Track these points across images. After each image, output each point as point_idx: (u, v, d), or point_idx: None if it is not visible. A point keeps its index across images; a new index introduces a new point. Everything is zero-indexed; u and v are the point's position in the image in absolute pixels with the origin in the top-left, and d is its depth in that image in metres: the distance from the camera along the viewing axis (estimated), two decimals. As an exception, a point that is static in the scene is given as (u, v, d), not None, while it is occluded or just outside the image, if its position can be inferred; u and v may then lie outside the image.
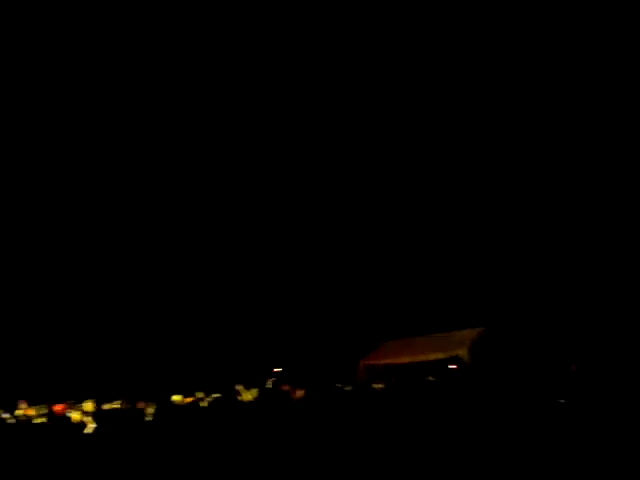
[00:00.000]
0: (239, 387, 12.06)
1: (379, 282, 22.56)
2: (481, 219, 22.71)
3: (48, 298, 19.74)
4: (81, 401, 10.68)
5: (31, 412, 9.55)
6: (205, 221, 22.83)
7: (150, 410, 10.72)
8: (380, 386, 14.13)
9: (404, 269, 22.61)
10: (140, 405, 10.87)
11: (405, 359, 17.72)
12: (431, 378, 15.38)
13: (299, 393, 12.63)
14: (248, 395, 11.78)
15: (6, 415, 9.88)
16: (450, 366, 16.79)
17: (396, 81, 23.71)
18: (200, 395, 11.30)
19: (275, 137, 23.49)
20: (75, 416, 9.74)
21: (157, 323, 20.40)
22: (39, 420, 9.25)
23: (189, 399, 11.17)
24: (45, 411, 9.68)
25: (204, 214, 22.81)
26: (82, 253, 21.01)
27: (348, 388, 13.85)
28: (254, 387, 12.16)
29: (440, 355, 17.59)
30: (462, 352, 17.56)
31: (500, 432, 10.12)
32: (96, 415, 10.23)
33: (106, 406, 10.50)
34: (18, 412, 10.10)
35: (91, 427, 9.63)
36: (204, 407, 10.86)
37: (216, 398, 11.21)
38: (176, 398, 11.14)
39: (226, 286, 21.99)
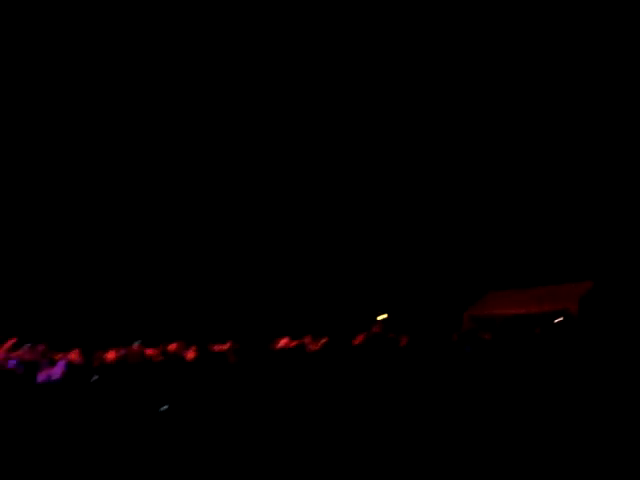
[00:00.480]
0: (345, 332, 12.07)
1: (486, 234, 21.98)
2: (591, 174, 21.69)
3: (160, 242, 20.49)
4: (191, 342, 11.02)
5: (149, 351, 9.94)
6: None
7: (256, 352, 10.93)
8: (487, 337, 13.78)
9: (512, 221, 21.91)
10: (246, 347, 11.08)
11: (512, 310, 17.20)
12: (539, 331, 14.87)
13: (403, 340, 12.54)
14: (354, 340, 11.76)
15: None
16: (557, 320, 16.20)
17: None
18: (308, 339, 11.35)
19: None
20: (189, 355, 10.07)
21: (265, 267, 20.79)
22: (157, 359, 9.63)
23: (295, 342, 11.25)
24: (160, 350, 10.05)
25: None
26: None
27: (453, 338, 13.59)
28: (360, 332, 12.10)
29: (548, 308, 16.97)
30: (572, 305, 16.89)
31: (606, 391, 9.69)
32: (206, 355, 10.54)
33: (216, 347, 10.76)
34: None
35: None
36: (312, 351, 10.93)
37: (325, 342, 11.26)
38: (283, 342, 11.25)
39: (339, 233, 22.05)
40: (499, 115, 22.45)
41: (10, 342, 9.93)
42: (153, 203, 20.94)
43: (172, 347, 10.22)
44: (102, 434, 7.95)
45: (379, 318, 14.39)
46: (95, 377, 8.95)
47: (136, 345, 10.22)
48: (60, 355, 10.09)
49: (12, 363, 9.68)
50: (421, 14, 21.79)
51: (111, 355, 10.05)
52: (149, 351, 9.92)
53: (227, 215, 21.63)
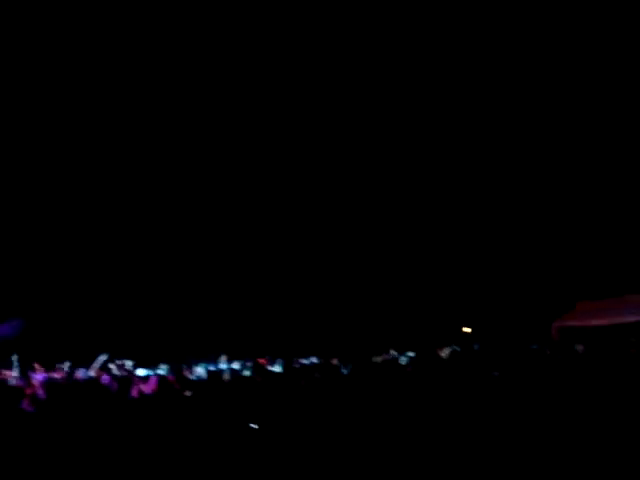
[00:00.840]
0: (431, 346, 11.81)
1: (570, 244, 21.20)
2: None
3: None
4: (277, 356, 11.00)
5: (237, 365, 9.99)
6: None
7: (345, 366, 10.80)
8: (580, 348, 13.17)
9: (594, 233, 21.07)
10: (334, 361, 10.97)
11: (602, 321, 16.41)
12: (631, 341, 14.20)
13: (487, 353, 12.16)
14: (441, 353, 11.46)
15: (213, 368, 10.43)
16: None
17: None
18: (394, 353, 11.14)
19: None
20: (275, 369, 10.04)
21: (353, 284, 20.64)
22: (246, 373, 9.65)
23: (382, 357, 11.06)
24: (250, 364, 10.07)
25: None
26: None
27: (545, 350, 13.06)
28: (445, 346, 11.79)
29: (638, 317, 16.17)
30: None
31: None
32: (290, 369, 10.49)
33: (303, 361, 10.70)
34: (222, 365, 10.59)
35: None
36: (400, 364, 10.70)
37: (411, 356, 11.02)
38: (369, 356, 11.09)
39: (423, 247, 21.66)
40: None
41: (101, 359, 10.17)
42: (232, 219, 21.20)
43: (261, 361, 10.22)
44: (194, 447, 7.97)
45: (464, 331, 14.06)
46: (188, 393, 9.03)
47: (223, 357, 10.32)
48: (150, 371, 10.26)
49: (106, 379, 9.91)
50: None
51: (199, 370, 10.15)
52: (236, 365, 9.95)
53: (315, 235, 21.53)
